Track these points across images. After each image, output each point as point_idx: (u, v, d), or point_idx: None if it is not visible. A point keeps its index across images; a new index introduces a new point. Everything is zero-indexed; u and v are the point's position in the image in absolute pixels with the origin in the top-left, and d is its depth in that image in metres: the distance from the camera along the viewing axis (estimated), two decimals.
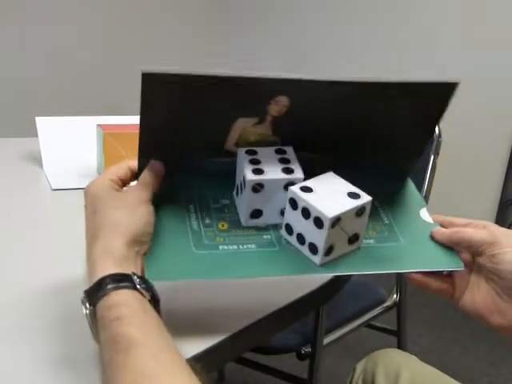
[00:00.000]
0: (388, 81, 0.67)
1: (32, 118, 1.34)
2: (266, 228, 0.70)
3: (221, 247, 0.67)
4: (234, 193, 0.73)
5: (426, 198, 1.50)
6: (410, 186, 0.80)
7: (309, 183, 0.67)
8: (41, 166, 1.26)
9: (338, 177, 0.69)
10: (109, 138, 1.17)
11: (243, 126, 0.70)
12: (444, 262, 0.69)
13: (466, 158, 2.77)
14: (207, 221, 0.70)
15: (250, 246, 0.68)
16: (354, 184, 0.68)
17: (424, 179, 1.49)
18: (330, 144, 0.74)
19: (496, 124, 2.69)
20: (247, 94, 0.66)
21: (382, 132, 0.73)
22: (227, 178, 0.72)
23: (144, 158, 0.69)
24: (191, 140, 0.71)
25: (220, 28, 3.22)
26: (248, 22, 3.26)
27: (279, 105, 0.68)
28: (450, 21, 2.69)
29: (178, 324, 0.58)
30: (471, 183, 2.81)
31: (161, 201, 0.69)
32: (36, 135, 1.31)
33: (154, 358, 0.50)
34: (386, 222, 0.73)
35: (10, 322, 0.69)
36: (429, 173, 1.49)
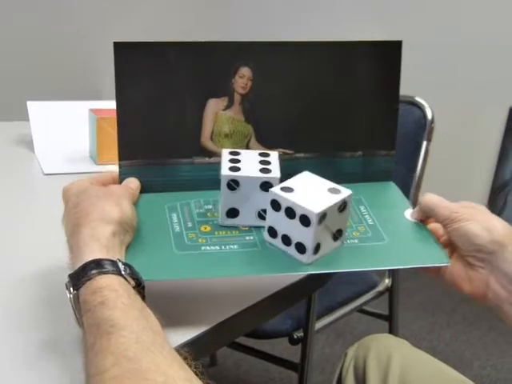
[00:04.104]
0: (345, 40, 0.75)
1: (23, 102, 1.33)
2: (249, 230, 0.70)
3: (203, 248, 0.67)
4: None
5: (419, 184, 1.51)
6: (395, 189, 0.81)
7: (288, 183, 0.67)
8: (32, 150, 1.25)
9: (314, 175, 0.69)
10: (102, 122, 1.17)
11: (215, 109, 0.73)
12: (429, 259, 0.69)
13: (458, 144, 2.77)
14: (189, 224, 0.70)
15: (232, 246, 0.67)
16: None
17: (416, 165, 1.50)
18: (302, 132, 0.76)
19: (489, 110, 2.69)
20: (212, 65, 0.71)
21: (347, 104, 0.77)
22: (209, 185, 0.73)
23: (124, 159, 0.72)
24: (168, 129, 0.73)
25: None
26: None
27: (244, 78, 0.72)
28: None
29: (168, 312, 0.58)
30: (463, 169, 2.81)
31: (142, 210, 0.70)
32: (27, 119, 1.30)
33: (136, 341, 0.50)
34: (371, 223, 0.73)
35: None
36: (421, 159, 1.50)
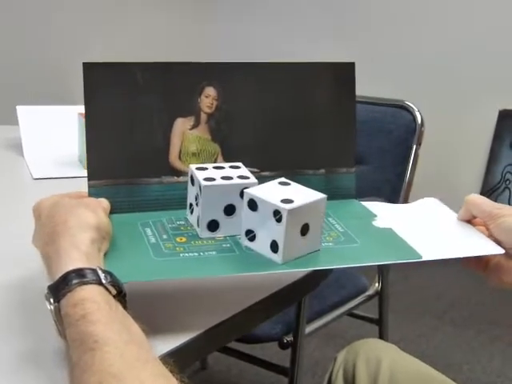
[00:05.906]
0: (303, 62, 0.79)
1: (12, 106, 1.32)
2: (224, 239, 0.71)
3: (182, 255, 0.67)
4: (188, 212, 0.74)
5: (408, 188, 1.51)
6: (359, 204, 0.83)
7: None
8: (22, 154, 1.25)
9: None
10: None
11: (182, 129, 0.75)
12: (402, 255, 0.71)
13: (448, 147, 2.78)
14: (164, 236, 0.70)
15: (210, 252, 0.68)
16: None
17: (406, 169, 1.50)
18: (267, 150, 0.79)
19: (478, 113, 2.71)
20: (179, 84, 0.74)
21: (308, 124, 0.81)
22: (178, 204, 0.74)
23: (93, 179, 0.73)
24: (137, 148, 0.74)
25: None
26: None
27: (209, 98, 0.75)
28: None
29: (155, 320, 0.57)
30: (453, 173, 2.83)
31: (115, 227, 0.70)
32: (16, 124, 1.29)
33: (121, 356, 0.50)
34: (341, 230, 0.75)
35: None
36: (411, 163, 1.50)
